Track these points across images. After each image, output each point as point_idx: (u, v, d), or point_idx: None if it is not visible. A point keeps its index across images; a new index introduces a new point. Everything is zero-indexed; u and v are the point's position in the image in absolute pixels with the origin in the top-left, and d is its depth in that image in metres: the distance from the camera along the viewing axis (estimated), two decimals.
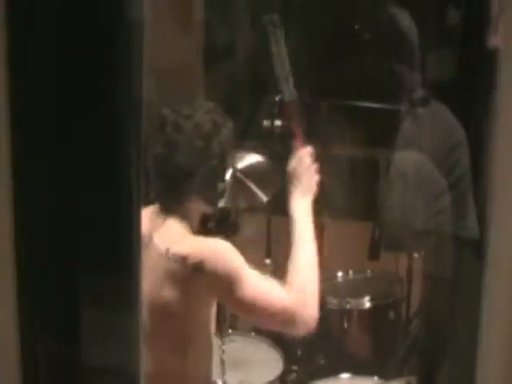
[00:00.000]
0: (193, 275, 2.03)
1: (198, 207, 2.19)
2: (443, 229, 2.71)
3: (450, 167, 2.62)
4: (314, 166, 2.31)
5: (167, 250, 2.05)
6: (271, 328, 2.25)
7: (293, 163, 2.32)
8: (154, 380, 2.02)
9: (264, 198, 2.79)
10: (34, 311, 1.11)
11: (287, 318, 2.05)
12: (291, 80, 2.36)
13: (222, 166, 2.20)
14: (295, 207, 2.24)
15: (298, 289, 2.08)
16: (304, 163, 2.31)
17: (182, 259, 2.03)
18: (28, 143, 1.08)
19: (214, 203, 2.24)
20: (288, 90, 2.37)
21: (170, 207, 2.14)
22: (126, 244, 1.13)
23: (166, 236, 2.11)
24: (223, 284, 2.03)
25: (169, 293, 2.04)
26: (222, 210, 2.51)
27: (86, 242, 1.12)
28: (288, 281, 2.10)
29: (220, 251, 2.07)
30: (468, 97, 1.44)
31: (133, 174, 1.12)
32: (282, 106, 2.53)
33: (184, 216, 2.15)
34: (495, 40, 1.39)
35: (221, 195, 2.27)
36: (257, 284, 2.06)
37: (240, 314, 2.42)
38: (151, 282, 2.01)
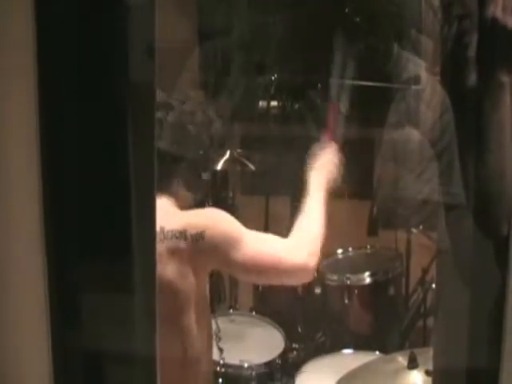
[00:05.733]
0: (193, 245, 2.06)
1: (182, 192, 2.20)
2: (435, 198, 2.74)
3: (441, 132, 2.65)
4: (337, 160, 2.40)
5: (161, 228, 2.06)
6: (275, 283, 2.28)
7: (317, 152, 2.39)
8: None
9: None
10: (60, 300, 1.15)
11: (287, 265, 2.08)
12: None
13: (208, 159, 2.22)
14: (310, 182, 2.29)
15: (296, 236, 2.14)
16: (328, 154, 2.40)
17: (181, 233, 2.06)
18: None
19: (195, 193, 2.24)
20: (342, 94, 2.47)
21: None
22: (141, 230, 1.15)
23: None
24: (224, 247, 2.06)
25: (169, 271, 2.06)
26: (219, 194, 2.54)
27: (104, 227, 1.15)
28: (289, 235, 2.15)
29: (219, 217, 2.13)
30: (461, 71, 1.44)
31: (146, 160, 1.14)
32: (330, 105, 2.63)
33: (172, 198, 2.16)
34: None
35: (203, 187, 2.29)
36: (255, 241, 2.10)
37: (242, 276, 2.40)
38: None
